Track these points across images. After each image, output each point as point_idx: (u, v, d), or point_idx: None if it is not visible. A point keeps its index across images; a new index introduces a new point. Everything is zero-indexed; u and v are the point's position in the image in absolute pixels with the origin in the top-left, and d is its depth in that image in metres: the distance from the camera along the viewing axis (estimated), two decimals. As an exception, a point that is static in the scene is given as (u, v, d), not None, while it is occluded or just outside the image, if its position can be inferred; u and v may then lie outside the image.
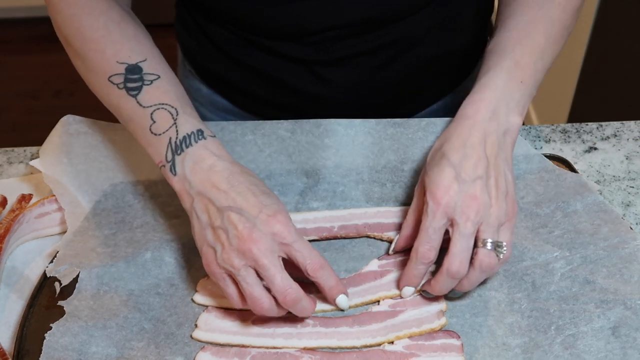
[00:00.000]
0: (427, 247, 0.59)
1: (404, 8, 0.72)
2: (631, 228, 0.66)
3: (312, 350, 0.60)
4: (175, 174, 0.61)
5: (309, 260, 0.58)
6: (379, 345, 0.60)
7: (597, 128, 0.83)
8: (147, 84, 0.63)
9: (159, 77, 0.64)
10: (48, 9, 0.67)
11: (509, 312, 0.61)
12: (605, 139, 0.82)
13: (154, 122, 0.62)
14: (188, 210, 0.61)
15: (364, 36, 0.73)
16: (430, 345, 0.59)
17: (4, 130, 2.34)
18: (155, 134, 0.62)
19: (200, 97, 0.88)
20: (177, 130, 0.61)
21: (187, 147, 0.61)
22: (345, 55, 0.75)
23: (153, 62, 0.65)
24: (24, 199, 0.74)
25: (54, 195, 0.72)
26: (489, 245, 0.58)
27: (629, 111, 1.05)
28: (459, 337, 0.59)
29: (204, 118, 0.66)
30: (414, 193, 0.65)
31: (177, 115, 0.62)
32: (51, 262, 0.66)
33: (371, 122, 0.75)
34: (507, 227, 0.60)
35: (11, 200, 0.74)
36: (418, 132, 0.74)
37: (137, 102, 0.63)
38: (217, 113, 0.88)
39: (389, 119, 0.75)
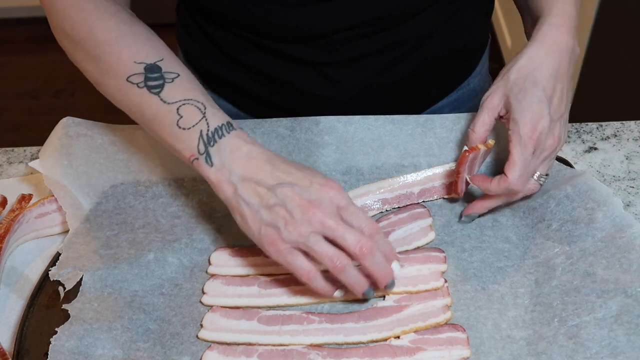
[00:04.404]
0: (519, 179, 0.60)
1: (410, 8, 0.69)
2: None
3: (318, 346, 0.56)
4: (212, 165, 0.57)
5: (365, 223, 0.56)
6: (385, 340, 0.56)
7: (597, 128, 0.79)
8: (169, 82, 0.59)
9: (179, 75, 0.60)
10: (52, 17, 0.62)
11: (512, 306, 0.58)
12: (605, 139, 0.77)
13: (181, 117, 0.58)
14: (230, 199, 0.57)
15: (372, 37, 0.69)
16: (437, 339, 0.56)
17: (4, 130, 2.26)
18: (184, 129, 0.58)
19: None
20: (207, 123, 0.58)
21: (219, 138, 0.57)
22: (353, 57, 0.70)
23: (170, 61, 0.61)
24: (24, 199, 0.70)
25: (54, 196, 0.68)
26: (535, 177, 0.63)
27: (629, 111, 1.01)
28: (465, 330, 0.56)
29: None
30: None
31: (205, 109, 0.59)
32: (53, 264, 0.62)
33: (370, 119, 0.71)
34: (552, 158, 0.63)
35: (11, 200, 0.70)
36: (417, 128, 0.71)
37: (161, 99, 0.59)
38: None
39: (387, 116, 0.71)
